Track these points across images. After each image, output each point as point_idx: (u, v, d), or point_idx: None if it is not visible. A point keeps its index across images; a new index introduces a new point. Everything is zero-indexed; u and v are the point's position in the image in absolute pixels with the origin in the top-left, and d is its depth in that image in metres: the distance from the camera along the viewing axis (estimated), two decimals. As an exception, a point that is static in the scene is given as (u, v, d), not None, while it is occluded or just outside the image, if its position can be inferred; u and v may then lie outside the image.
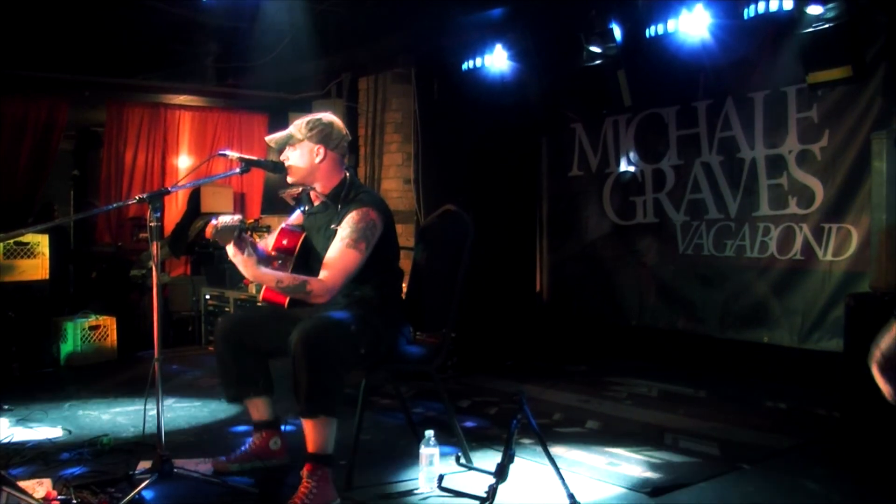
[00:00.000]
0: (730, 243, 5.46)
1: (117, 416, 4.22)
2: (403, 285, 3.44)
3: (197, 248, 6.71)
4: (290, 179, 3.19)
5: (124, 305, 6.43)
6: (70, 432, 3.88)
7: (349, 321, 2.93)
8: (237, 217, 2.86)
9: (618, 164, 6.22)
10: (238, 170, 3.11)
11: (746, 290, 5.37)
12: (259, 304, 3.23)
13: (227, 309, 6.12)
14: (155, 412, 2.93)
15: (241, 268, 2.91)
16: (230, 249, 2.89)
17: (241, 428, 3.96)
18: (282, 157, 3.17)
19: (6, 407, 4.31)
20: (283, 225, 3.31)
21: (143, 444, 3.44)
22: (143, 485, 2.84)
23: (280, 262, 3.19)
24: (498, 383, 5.04)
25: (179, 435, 3.87)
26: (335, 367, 2.82)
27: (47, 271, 5.69)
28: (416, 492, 3.05)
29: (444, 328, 3.32)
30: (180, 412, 4.31)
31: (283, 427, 3.35)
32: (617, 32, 5.15)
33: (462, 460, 3.26)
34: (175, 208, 7.28)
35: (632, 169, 6.13)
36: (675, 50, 5.08)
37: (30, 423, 4.05)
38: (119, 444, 3.67)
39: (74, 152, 8.54)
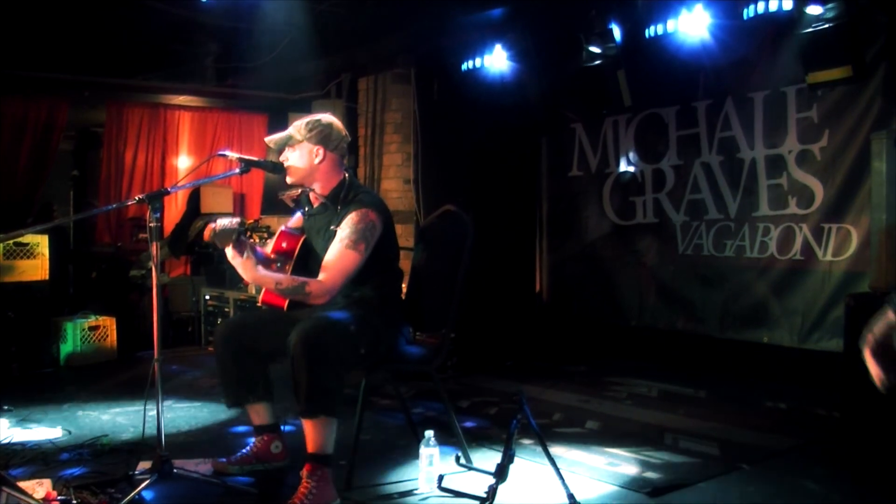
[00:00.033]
0: (729, 243, 5.46)
1: (117, 417, 4.22)
2: (403, 286, 3.44)
3: (197, 248, 6.71)
4: (289, 180, 3.18)
5: (124, 306, 6.43)
6: (70, 433, 3.88)
7: (348, 321, 2.93)
8: (236, 220, 2.85)
9: (618, 165, 6.22)
10: (238, 170, 3.11)
11: (746, 290, 5.37)
12: (259, 305, 3.22)
13: (226, 309, 6.12)
14: (155, 413, 2.93)
15: (240, 270, 2.90)
16: (229, 252, 2.88)
17: (241, 429, 3.96)
18: (281, 158, 3.17)
19: (6, 407, 4.31)
20: (282, 228, 3.32)
21: (142, 445, 3.44)
22: (143, 485, 2.84)
23: (279, 264, 3.19)
24: (498, 383, 5.04)
25: (179, 435, 3.87)
26: (335, 367, 2.82)
27: (47, 272, 5.68)
28: (415, 492, 3.05)
29: (443, 328, 3.32)
30: (180, 413, 4.30)
31: (282, 427, 3.34)
32: (617, 32, 5.15)
33: (462, 460, 3.26)
34: (175, 209, 7.28)
35: (632, 169, 6.13)
36: (674, 50, 5.08)
37: (29, 424, 4.05)
38: (119, 444, 3.67)
39: (74, 152, 8.53)
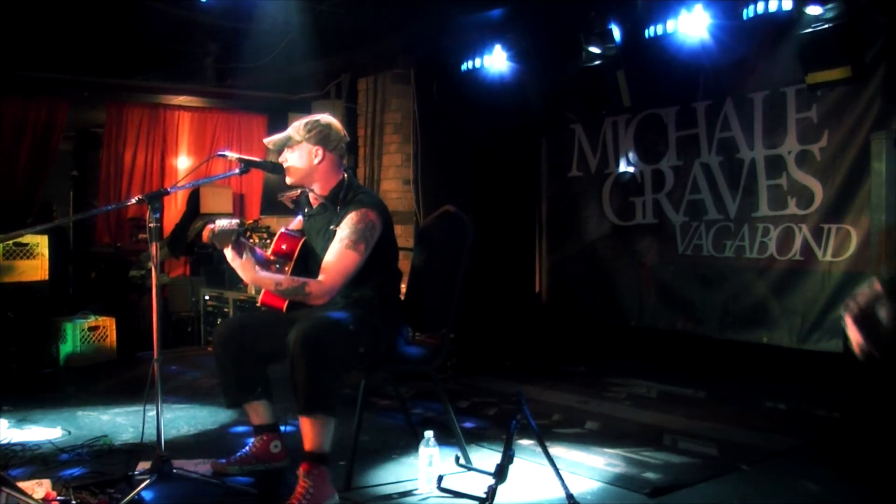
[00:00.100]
0: (729, 244, 5.46)
1: (116, 417, 4.22)
2: (402, 286, 3.44)
3: (196, 248, 6.71)
4: (288, 181, 3.19)
5: (123, 306, 6.43)
6: (69, 433, 3.88)
7: (348, 320, 2.93)
8: (235, 221, 2.85)
9: (617, 165, 6.22)
10: (237, 170, 3.11)
11: (746, 290, 5.37)
12: (258, 306, 3.22)
13: (226, 310, 6.12)
14: (154, 413, 2.93)
15: (239, 271, 2.90)
16: (228, 253, 2.88)
17: (241, 429, 3.96)
18: (280, 159, 3.17)
19: (5, 407, 4.31)
20: (282, 230, 3.32)
21: (142, 445, 3.43)
22: (143, 485, 2.84)
23: (278, 266, 3.19)
24: (497, 384, 5.04)
25: (178, 436, 3.87)
26: (333, 366, 2.82)
27: (46, 272, 5.69)
28: (415, 492, 3.05)
29: (443, 329, 3.32)
30: (179, 413, 4.30)
31: (282, 427, 3.34)
32: (616, 33, 5.15)
33: (461, 461, 3.26)
34: (174, 209, 7.28)
35: (631, 169, 6.13)
36: (674, 50, 5.08)
37: (29, 424, 4.05)
38: (118, 444, 3.67)
39: (74, 153, 8.53)
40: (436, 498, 3.00)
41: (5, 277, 5.47)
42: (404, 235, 6.21)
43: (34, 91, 6.50)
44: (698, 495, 3.07)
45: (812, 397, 4.49)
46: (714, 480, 3.23)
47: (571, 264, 6.68)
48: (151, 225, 2.91)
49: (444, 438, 3.27)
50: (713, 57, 5.06)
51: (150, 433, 2.99)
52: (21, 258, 5.57)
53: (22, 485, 2.82)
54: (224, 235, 2.82)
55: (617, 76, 5.29)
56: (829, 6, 4.24)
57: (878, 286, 1.99)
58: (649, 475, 3.26)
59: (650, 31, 5.14)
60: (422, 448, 3.04)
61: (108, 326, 5.87)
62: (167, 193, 3.10)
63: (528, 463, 3.34)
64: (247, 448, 3.28)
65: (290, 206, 3.41)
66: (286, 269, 3.17)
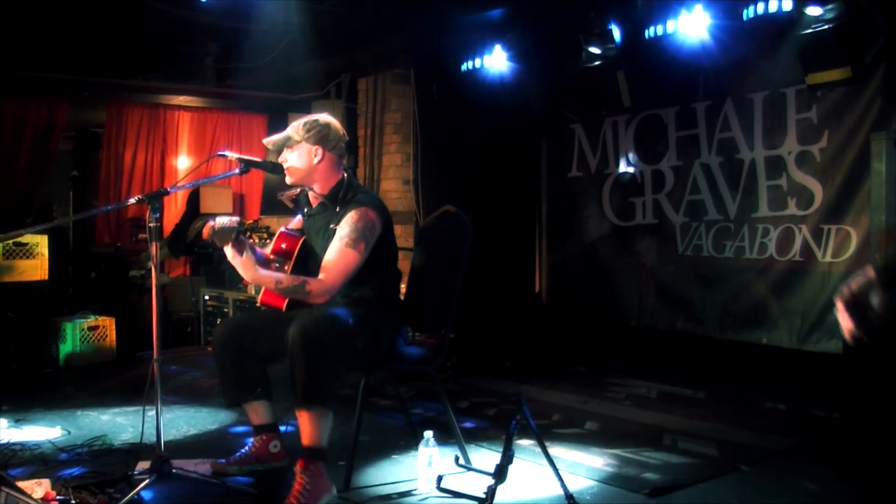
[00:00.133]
0: (729, 244, 5.46)
1: (116, 417, 4.21)
2: (402, 286, 3.43)
3: (196, 248, 6.71)
4: (288, 181, 3.19)
5: (123, 306, 6.43)
6: (69, 433, 3.88)
7: (347, 316, 2.94)
8: (235, 219, 2.85)
9: (617, 165, 6.22)
10: (237, 170, 3.11)
11: (746, 290, 5.37)
12: (258, 306, 3.21)
13: (225, 310, 6.12)
14: (154, 413, 2.93)
15: (239, 270, 2.90)
16: (228, 251, 2.88)
17: (241, 429, 3.96)
18: (280, 159, 3.17)
19: (5, 407, 4.31)
20: (281, 229, 3.32)
21: (141, 445, 3.43)
22: (142, 485, 2.84)
23: (278, 265, 3.19)
24: (497, 384, 5.04)
25: (178, 436, 3.87)
26: (332, 360, 2.81)
27: (46, 272, 5.69)
28: (415, 492, 3.05)
29: (443, 329, 3.32)
30: (179, 413, 4.30)
31: (282, 428, 3.34)
32: (616, 33, 5.15)
33: (461, 461, 3.26)
34: (174, 209, 7.28)
35: (631, 170, 6.13)
36: (674, 51, 5.08)
37: (28, 424, 4.05)
38: (118, 444, 3.67)
39: (74, 153, 8.53)
40: (435, 498, 3.00)
41: (5, 277, 5.47)
42: (404, 235, 6.21)
43: (34, 91, 6.50)
44: (698, 495, 3.07)
45: (812, 398, 4.49)
46: (714, 481, 3.23)
47: (571, 264, 6.68)
48: (151, 225, 2.92)
49: (443, 438, 3.27)
50: (713, 57, 5.06)
51: (150, 433, 2.99)
52: (21, 258, 5.57)
53: (21, 484, 2.82)
54: (224, 233, 2.82)
55: (617, 76, 5.29)
56: (829, 7, 4.24)
57: (871, 273, 2.00)
58: (649, 475, 3.26)
59: (650, 32, 5.14)
60: (421, 448, 3.04)
61: (107, 326, 5.87)
62: (167, 193, 3.10)
63: (528, 463, 3.34)
64: (246, 448, 3.28)
65: (290, 205, 3.41)
66: (286, 267, 3.17)
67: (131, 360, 5.84)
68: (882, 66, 4.57)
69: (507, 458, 2.73)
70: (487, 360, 5.70)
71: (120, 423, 4.08)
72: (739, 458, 3.48)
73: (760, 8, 4.59)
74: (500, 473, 2.74)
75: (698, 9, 4.82)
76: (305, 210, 3.30)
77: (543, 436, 2.94)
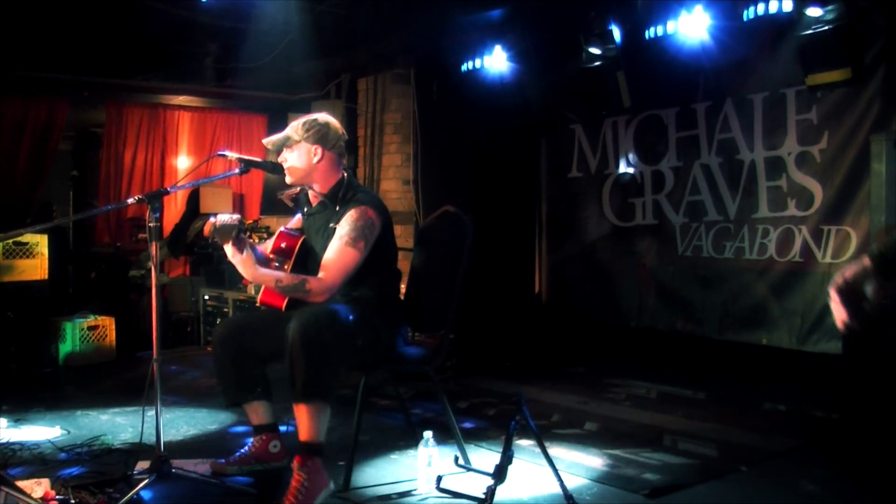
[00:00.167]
0: (729, 245, 5.47)
1: (116, 417, 4.21)
2: (402, 286, 3.43)
3: (196, 248, 6.71)
4: (288, 180, 3.19)
5: (123, 306, 6.43)
6: (68, 432, 3.88)
7: (347, 312, 2.94)
8: (236, 216, 2.85)
9: (617, 166, 6.23)
10: (237, 170, 3.11)
11: (745, 291, 5.37)
12: (257, 306, 3.21)
13: (225, 310, 6.12)
14: (153, 413, 2.93)
15: (239, 268, 2.90)
16: (229, 249, 2.88)
17: (240, 429, 3.95)
18: (279, 159, 3.17)
19: (5, 407, 4.31)
20: (281, 228, 3.32)
21: (141, 445, 3.43)
22: (142, 485, 2.83)
23: (278, 264, 3.19)
24: (497, 384, 5.04)
25: (178, 435, 3.87)
26: (332, 354, 2.80)
27: (46, 271, 5.68)
28: (414, 493, 3.05)
29: (442, 329, 3.31)
30: (179, 413, 4.30)
31: (281, 428, 3.34)
32: (616, 34, 5.16)
33: (461, 461, 3.26)
34: (174, 209, 7.28)
35: (631, 170, 6.13)
36: (674, 51, 5.09)
37: (28, 424, 4.05)
38: (117, 444, 3.67)
39: (73, 153, 8.54)
40: (435, 498, 3.00)
41: (5, 277, 5.47)
42: (404, 235, 6.21)
43: (34, 91, 6.50)
44: (698, 496, 3.07)
45: (811, 398, 4.49)
46: (713, 481, 3.23)
47: (571, 265, 6.68)
48: (151, 225, 2.91)
49: (443, 439, 3.27)
50: (713, 58, 5.07)
51: (150, 433, 2.98)
52: (21, 257, 5.57)
53: (21, 484, 2.82)
54: (225, 230, 2.82)
55: (617, 77, 5.30)
56: (830, 8, 4.24)
57: (867, 261, 1.99)
58: (648, 476, 3.26)
59: (650, 32, 5.14)
60: (421, 448, 3.04)
61: (107, 326, 5.87)
62: (167, 193, 3.10)
63: (528, 463, 3.34)
64: (246, 448, 3.27)
65: (290, 204, 3.41)
66: (286, 267, 3.17)
67: (131, 360, 5.83)
68: (882, 67, 4.58)
69: (506, 459, 2.73)
70: (487, 360, 5.69)
71: (119, 423, 4.08)
72: (739, 459, 3.48)
73: (761, 9, 4.59)
74: (499, 474, 2.74)
75: (698, 9, 4.83)
76: (305, 209, 3.30)
77: (543, 436, 2.95)
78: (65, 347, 5.67)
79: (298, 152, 3.12)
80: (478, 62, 5.94)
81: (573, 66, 5.39)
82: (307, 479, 2.76)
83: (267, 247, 3.29)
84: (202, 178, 6.87)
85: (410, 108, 6.48)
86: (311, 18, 5.79)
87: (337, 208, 3.11)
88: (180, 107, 7.49)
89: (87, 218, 7.37)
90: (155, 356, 2.93)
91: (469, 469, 3.24)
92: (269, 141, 3.19)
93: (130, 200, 2.95)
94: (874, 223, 3.72)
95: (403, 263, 3.37)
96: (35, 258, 5.63)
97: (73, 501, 2.78)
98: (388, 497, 3.04)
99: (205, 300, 6.38)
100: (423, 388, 4.65)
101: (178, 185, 6.43)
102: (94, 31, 6.03)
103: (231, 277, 6.02)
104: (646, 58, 5.33)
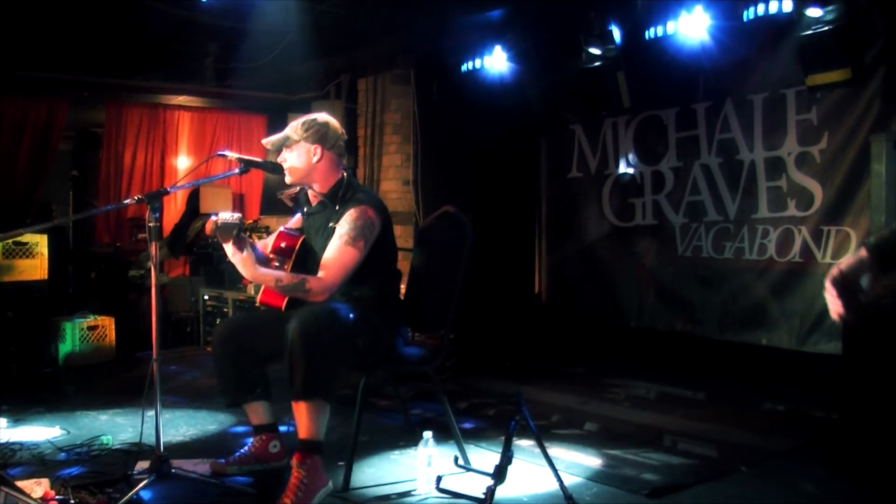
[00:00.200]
0: (729, 245, 5.47)
1: (115, 417, 4.21)
2: (402, 286, 3.43)
3: (196, 248, 6.70)
4: (288, 180, 3.19)
5: (123, 306, 6.43)
6: (68, 432, 3.87)
7: (347, 311, 2.94)
8: (237, 215, 2.85)
9: (617, 166, 6.23)
10: (237, 170, 3.11)
11: (745, 291, 5.37)
12: (257, 306, 3.21)
13: (225, 310, 6.12)
14: (153, 413, 2.93)
15: (239, 267, 2.90)
16: (229, 248, 2.88)
17: (240, 429, 3.95)
18: (279, 159, 3.17)
19: (4, 407, 4.31)
20: (281, 228, 3.32)
21: (141, 445, 3.43)
22: (141, 485, 2.83)
23: (278, 263, 3.19)
24: (496, 384, 5.04)
25: (177, 436, 3.86)
26: (331, 352, 2.80)
27: (46, 271, 5.68)
28: (414, 493, 3.04)
29: (442, 329, 3.32)
30: (178, 413, 4.30)
31: (281, 428, 3.34)
32: (616, 34, 5.16)
33: (460, 461, 3.25)
34: (174, 209, 7.28)
35: (631, 170, 6.13)
36: (674, 52, 5.09)
37: (28, 423, 4.05)
38: (117, 444, 3.66)
39: (73, 153, 8.54)
40: (434, 498, 3.00)
41: (5, 277, 5.46)
42: (404, 236, 6.21)
43: (34, 91, 6.50)
44: (697, 496, 3.07)
45: (811, 399, 4.49)
46: (713, 482, 3.22)
47: (571, 265, 6.68)
48: (151, 225, 2.91)
49: (443, 439, 3.27)
50: (713, 58, 5.07)
51: (149, 433, 2.98)
52: (20, 257, 5.56)
53: (20, 484, 2.82)
54: (226, 229, 2.82)
55: (617, 77, 5.30)
56: (829, 8, 4.24)
57: (864, 252, 1.98)
58: (648, 476, 3.26)
59: (650, 33, 5.15)
60: (421, 448, 3.04)
61: (107, 326, 5.87)
62: (167, 193, 3.10)
63: (527, 464, 3.34)
64: (246, 448, 3.27)
65: (290, 203, 3.42)
66: (286, 266, 3.17)
67: (131, 360, 5.83)
68: (882, 68, 4.58)
69: (506, 459, 2.73)
70: (487, 360, 5.69)
71: (119, 423, 4.07)
72: (739, 459, 3.48)
73: (760, 9, 4.59)
74: (499, 474, 2.74)
75: (698, 10, 4.83)
76: (305, 209, 3.30)
77: (542, 436, 2.94)
78: (64, 347, 5.67)
79: (298, 152, 3.12)
80: (478, 62, 5.94)
81: (573, 66, 5.39)
82: (306, 477, 2.77)
83: (266, 245, 3.28)
84: (202, 178, 6.87)
85: (410, 109, 6.48)
86: (311, 18, 5.79)
87: (337, 208, 3.11)
88: (180, 107, 7.49)
89: (86, 218, 7.37)
90: (155, 356, 2.93)
91: (469, 469, 3.24)
92: (269, 141, 3.20)
93: (130, 200, 2.95)
94: (874, 223, 3.72)
95: (403, 263, 3.37)
96: (35, 258, 5.63)
97: (72, 501, 2.78)
98: (387, 497, 3.04)
99: (204, 300, 6.38)
100: (423, 388, 4.64)
101: (178, 185, 6.44)
102: (94, 31, 6.04)
103: (231, 277, 6.02)
104: (646, 58, 5.33)
